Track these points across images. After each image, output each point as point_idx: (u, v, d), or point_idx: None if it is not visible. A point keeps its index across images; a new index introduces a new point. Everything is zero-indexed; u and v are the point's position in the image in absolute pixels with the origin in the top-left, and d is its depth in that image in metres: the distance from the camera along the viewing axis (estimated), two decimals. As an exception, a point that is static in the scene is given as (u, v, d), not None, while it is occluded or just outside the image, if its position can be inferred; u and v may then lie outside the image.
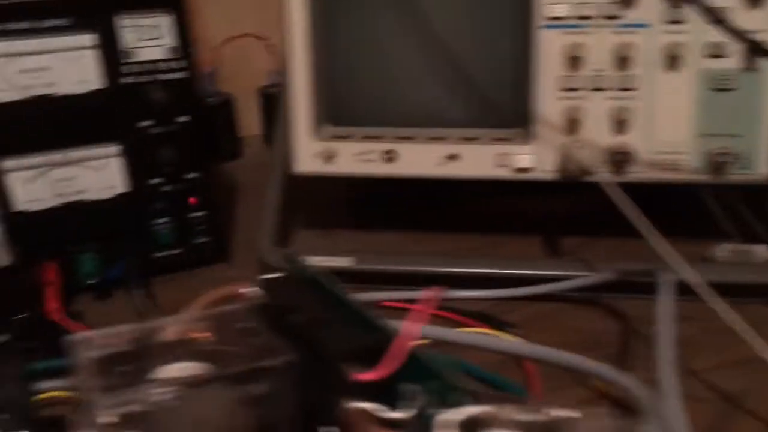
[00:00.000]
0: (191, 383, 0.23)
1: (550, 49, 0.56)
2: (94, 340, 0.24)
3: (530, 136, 0.58)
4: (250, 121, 0.92)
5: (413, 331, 0.23)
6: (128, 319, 0.57)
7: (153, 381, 0.22)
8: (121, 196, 0.58)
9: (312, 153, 0.61)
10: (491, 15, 0.57)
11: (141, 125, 0.57)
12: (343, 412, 0.24)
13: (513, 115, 0.59)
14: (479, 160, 0.59)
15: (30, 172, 0.55)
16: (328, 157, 0.61)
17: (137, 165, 0.58)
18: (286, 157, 0.65)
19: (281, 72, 0.92)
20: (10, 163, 0.53)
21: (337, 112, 0.62)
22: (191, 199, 0.61)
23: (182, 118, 0.58)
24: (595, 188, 0.53)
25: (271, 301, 0.27)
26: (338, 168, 0.62)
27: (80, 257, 0.58)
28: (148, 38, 0.54)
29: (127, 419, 0.22)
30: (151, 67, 0.55)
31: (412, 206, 0.75)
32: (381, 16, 0.59)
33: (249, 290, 0.28)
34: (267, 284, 0.28)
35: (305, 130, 0.61)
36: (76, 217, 0.57)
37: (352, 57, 0.61)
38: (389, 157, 0.61)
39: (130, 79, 0.55)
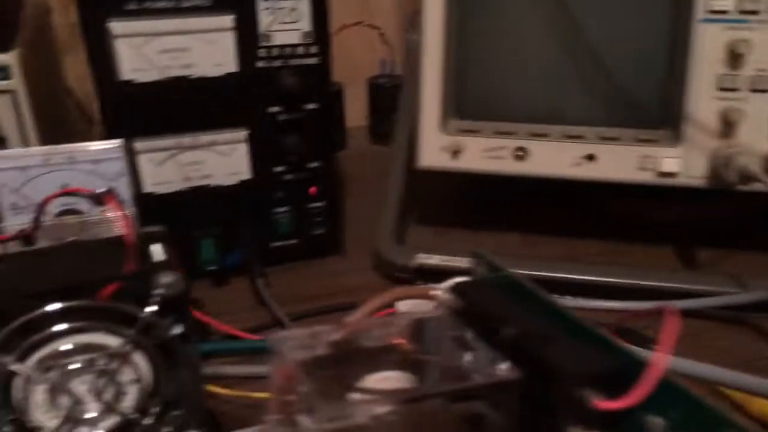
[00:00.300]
0: (408, 398, 0.21)
1: (709, 44, 0.52)
2: (298, 339, 0.22)
3: (679, 139, 0.54)
4: (355, 111, 0.91)
5: (665, 357, 0.20)
6: (247, 307, 0.56)
7: (364, 391, 0.20)
8: (244, 182, 0.57)
9: (438, 147, 0.59)
10: (643, 5, 0.54)
11: (270, 111, 0.55)
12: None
13: (660, 115, 0.55)
14: (619, 162, 0.56)
15: (160, 154, 0.54)
16: (455, 152, 0.59)
17: (263, 152, 0.56)
18: (407, 151, 0.63)
19: (392, 62, 0.91)
20: (142, 144, 0.53)
21: (466, 106, 0.59)
22: (311, 189, 0.60)
23: (310, 106, 0.56)
24: (737, 196, 0.49)
25: (470, 308, 0.25)
26: (464, 164, 0.59)
27: (202, 243, 0.57)
28: (285, 21, 0.53)
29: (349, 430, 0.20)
30: (286, 51, 0.54)
31: (524, 205, 0.71)
32: (517, 6, 0.56)
33: (441, 293, 0.26)
34: (461, 288, 0.25)
35: (432, 123, 0.59)
36: (200, 202, 0.56)
37: (485, 49, 0.58)
38: (520, 154, 0.58)
39: (264, 63, 0.54)
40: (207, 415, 0.29)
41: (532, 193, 0.69)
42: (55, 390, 0.26)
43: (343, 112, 0.86)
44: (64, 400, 0.26)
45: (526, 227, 0.66)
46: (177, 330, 0.27)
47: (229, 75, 0.53)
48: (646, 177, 0.55)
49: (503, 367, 0.22)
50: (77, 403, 0.26)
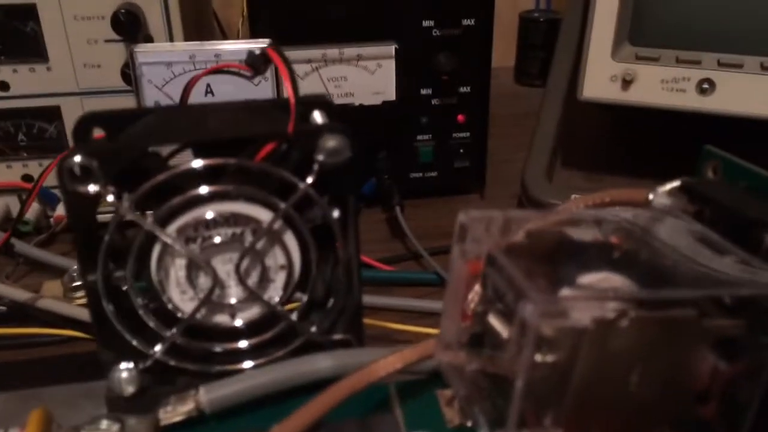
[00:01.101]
0: (651, 298, 0.15)
1: None
2: (495, 221, 0.17)
3: None
4: (500, 51, 0.84)
5: None
6: (380, 238, 0.53)
7: (592, 290, 0.15)
8: (387, 104, 0.53)
9: (607, 76, 0.52)
10: None
11: (424, 25, 0.51)
12: None
13: None
14: (831, 100, 0.47)
15: (304, 66, 0.51)
16: (627, 82, 0.52)
17: (411, 70, 0.52)
18: (567, 84, 0.56)
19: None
20: (288, 54, 0.50)
21: (644, 30, 0.51)
22: (459, 117, 0.55)
23: (468, 21, 0.51)
24: None
25: (710, 211, 0.19)
26: (637, 96, 0.52)
27: (338, 166, 0.54)
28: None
29: (562, 334, 0.15)
30: (445, -44, 0.49)
31: (689, 155, 0.63)
32: None
33: (658, 195, 0.20)
34: (692, 188, 0.20)
35: (603, 47, 0.52)
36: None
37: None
38: (705, 87, 0.50)
39: (419, -30, 0.49)
40: (357, 321, 0.25)
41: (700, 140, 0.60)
42: (195, 267, 0.23)
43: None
44: (203, 281, 0.23)
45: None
46: (335, 214, 0.23)
47: (383, -21, 0.48)
48: None
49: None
50: (218, 285, 0.23)
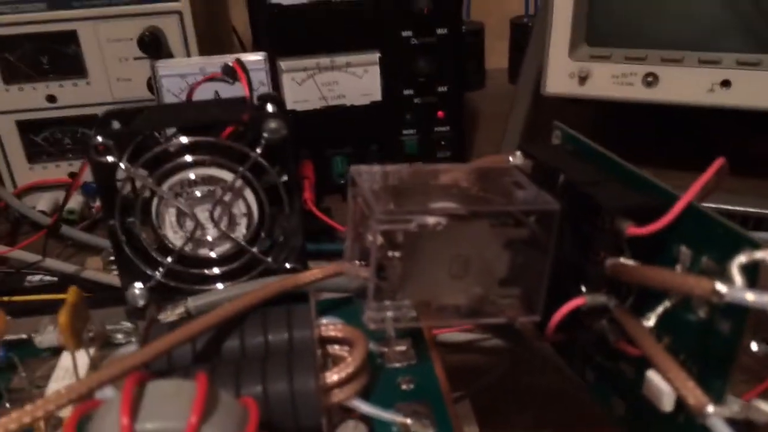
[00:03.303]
0: (455, 213, 0.23)
1: None
2: (376, 172, 0.25)
3: (827, 63, 0.50)
4: (497, 54, 0.92)
5: (694, 191, 0.21)
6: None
7: (423, 210, 0.23)
8: (375, 104, 0.61)
9: (566, 73, 0.59)
10: None
11: (403, 34, 0.59)
12: (609, 266, 0.23)
13: (807, 39, 0.51)
14: (757, 88, 0.53)
15: (301, 74, 0.59)
16: (583, 78, 0.59)
17: (393, 74, 0.60)
18: (535, 80, 0.64)
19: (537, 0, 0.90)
20: (286, 63, 0.59)
21: (596, 32, 0.59)
22: (439, 113, 0.62)
23: (441, 31, 0.59)
24: None
25: (536, 166, 0.27)
26: (592, 90, 0.59)
27: (334, 159, 0.62)
28: (419, -55, 0.56)
29: (393, 239, 0.23)
30: (419, -25, 0.57)
31: (655, 141, 0.69)
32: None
33: (516, 158, 0.28)
34: (533, 150, 0.27)
35: (561, 49, 0.59)
36: (334, 121, 0.61)
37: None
38: (650, 80, 0.57)
39: (398, -12, 0.57)
40: (302, 255, 0.33)
41: (662, 129, 0.67)
42: (182, 214, 0.32)
43: (481, 52, 0.88)
44: (189, 224, 0.32)
45: (656, 163, 0.65)
46: (283, 178, 0.32)
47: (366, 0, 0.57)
48: (788, 104, 0.52)
49: (547, 199, 0.24)
50: (198, 227, 0.32)
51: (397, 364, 0.28)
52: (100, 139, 0.30)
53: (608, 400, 0.27)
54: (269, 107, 0.32)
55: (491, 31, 0.89)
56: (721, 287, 0.18)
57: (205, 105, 0.35)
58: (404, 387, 0.27)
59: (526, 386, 0.41)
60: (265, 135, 0.31)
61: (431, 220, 0.23)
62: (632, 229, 0.22)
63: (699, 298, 0.19)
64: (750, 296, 0.18)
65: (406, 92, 0.61)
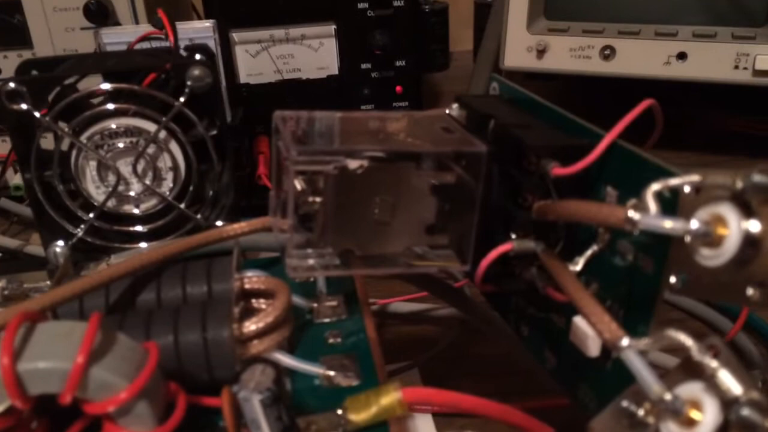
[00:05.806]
0: (376, 154, 0.22)
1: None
2: (301, 118, 0.24)
3: (781, 33, 0.50)
4: (461, 35, 0.91)
5: (617, 131, 0.21)
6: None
7: (341, 150, 0.22)
8: (332, 77, 0.60)
9: (524, 47, 0.59)
10: None
11: (359, 7, 0.58)
12: (535, 209, 0.22)
13: (763, 12, 0.51)
14: (713, 60, 0.53)
15: (254, 46, 0.58)
16: (540, 51, 0.58)
17: (350, 47, 0.59)
18: (494, 54, 0.63)
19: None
20: (238, 35, 0.57)
21: (554, 5, 0.58)
22: (398, 88, 0.61)
23: (398, 2, 0.58)
24: None
25: (470, 115, 0.26)
26: (550, 64, 0.58)
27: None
28: None
29: (314, 183, 0.22)
30: (374, -55, 0.56)
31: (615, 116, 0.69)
32: None
33: (453, 110, 0.27)
34: (469, 100, 0.26)
35: (518, 22, 0.58)
36: (290, 95, 0.60)
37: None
38: (607, 53, 0.56)
39: (352, -43, 0.56)
40: (234, 213, 0.32)
41: (622, 103, 0.66)
42: (104, 167, 0.31)
43: (445, 33, 0.87)
44: (111, 178, 0.31)
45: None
46: (212, 132, 0.30)
47: (319, -32, 0.56)
48: (742, 77, 0.52)
49: (474, 142, 0.23)
50: (121, 181, 0.31)
51: (326, 319, 0.27)
52: (12, 85, 0.28)
53: (542, 353, 0.26)
54: (198, 57, 0.30)
55: (459, 16, 0.89)
56: (634, 214, 0.18)
57: (129, 53, 0.34)
58: (331, 341, 0.26)
59: (475, 356, 0.41)
60: (189, 83, 0.30)
61: (353, 163, 0.22)
62: (557, 170, 0.21)
63: (614, 226, 0.18)
64: (666, 223, 0.17)
65: (364, 66, 0.60)
